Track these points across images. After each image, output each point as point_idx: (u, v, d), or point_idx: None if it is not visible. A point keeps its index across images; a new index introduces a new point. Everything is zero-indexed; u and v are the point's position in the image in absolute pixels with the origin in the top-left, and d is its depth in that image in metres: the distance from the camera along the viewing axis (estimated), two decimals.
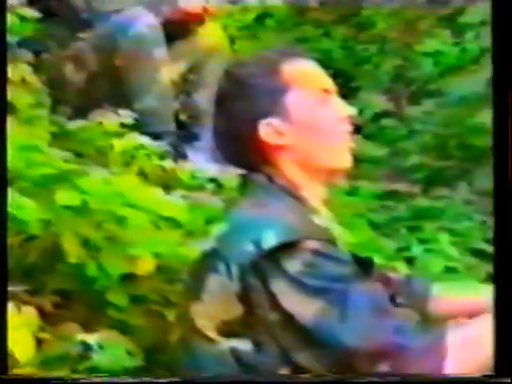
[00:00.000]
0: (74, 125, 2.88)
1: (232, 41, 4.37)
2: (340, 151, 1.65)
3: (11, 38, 2.83)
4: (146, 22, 3.09)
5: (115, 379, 1.61)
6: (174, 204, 2.11)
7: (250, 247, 1.46)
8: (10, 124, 2.52)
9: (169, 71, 3.22)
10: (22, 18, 2.77)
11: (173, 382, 1.50)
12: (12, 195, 1.79)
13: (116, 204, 1.94)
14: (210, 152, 3.37)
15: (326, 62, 4.85)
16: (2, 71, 1.71)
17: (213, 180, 3.03)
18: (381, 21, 4.68)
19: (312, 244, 1.47)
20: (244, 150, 1.64)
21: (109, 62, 3.14)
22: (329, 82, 1.68)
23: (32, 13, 2.81)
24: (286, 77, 1.63)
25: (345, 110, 1.66)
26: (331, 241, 1.54)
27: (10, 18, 2.68)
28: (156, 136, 3.02)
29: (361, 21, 4.84)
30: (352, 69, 4.63)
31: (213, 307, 1.50)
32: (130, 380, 1.59)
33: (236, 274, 1.47)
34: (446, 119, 3.85)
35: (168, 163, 2.88)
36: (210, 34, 3.44)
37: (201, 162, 3.26)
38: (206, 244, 1.57)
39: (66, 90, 3.18)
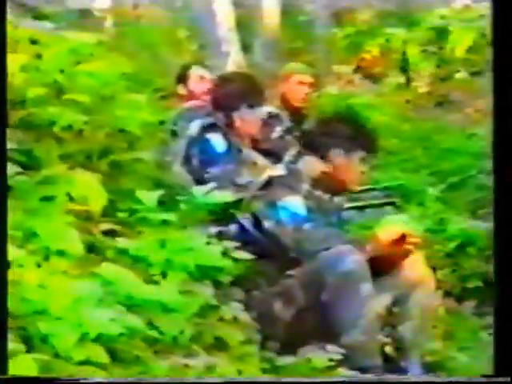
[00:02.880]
0: (284, 361, 2.96)
1: (433, 270, 4.39)
2: None
3: (224, 278, 3.01)
4: (353, 259, 3.19)
5: (116, 379, 1.58)
6: None
7: None
8: (222, 361, 2.65)
9: (375, 305, 3.27)
10: (235, 260, 2.95)
11: (173, 382, 1.47)
12: None
13: None
14: None
15: None
16: None
17: None
18: None
19: None
20: None
21: (316, 297, 3.23)
22: None
23: (245, 255, 2.99)
24: None
25: None
26: None
27: (223, 261, 2.86)
28: (363, 371, 3.04)
29: None
30: None
31: None
32: (130, 380, 1.56)
33: None
34: None
35: None
36: (414, 266, 3.48)
37: None
38: None
39: (274, 326, 3.27)
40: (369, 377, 1.43)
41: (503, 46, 1.68)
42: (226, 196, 3.18)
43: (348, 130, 3.55)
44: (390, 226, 3.43)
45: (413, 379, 1.45)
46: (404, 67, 9.69)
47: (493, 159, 1.64)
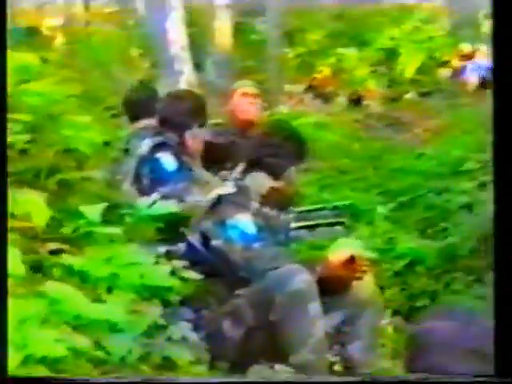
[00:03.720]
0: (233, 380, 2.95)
1: (382, 289, 4.42)
2: None
3: (173, 297, 2.98)
4: (302, 278, 3.19)
5: (115, 379, 1.57)
6: None
7: None
8: None
9: (323, 324, 3.27)
10: (184, 279, 2.93)
11: (174, 381, 1.46)
12: None
13: None
14: None
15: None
16: None
17: None
18: None
19: None
20: None
21: (264, 317, 3.23)
22: None
23: (194, 275, 2.98)
24: None
25: None
26: None
27: (171, 281, 2.84)
28: None
29: None
30: None
31: None
32: (132, 380, 1.55)
33: None
34: None
35: None
36: (363, 286, 3.50)
37: None
38: None
39: (223, 346, 3.26)
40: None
41: (503, 51, 1.70)
42: (171, 207, 3.17)
43: (288, 144, 3.56)
44: (341, 249, 3.43)
45: (412, 379, 1.45)
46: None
47: (493, 165, 1.66)
